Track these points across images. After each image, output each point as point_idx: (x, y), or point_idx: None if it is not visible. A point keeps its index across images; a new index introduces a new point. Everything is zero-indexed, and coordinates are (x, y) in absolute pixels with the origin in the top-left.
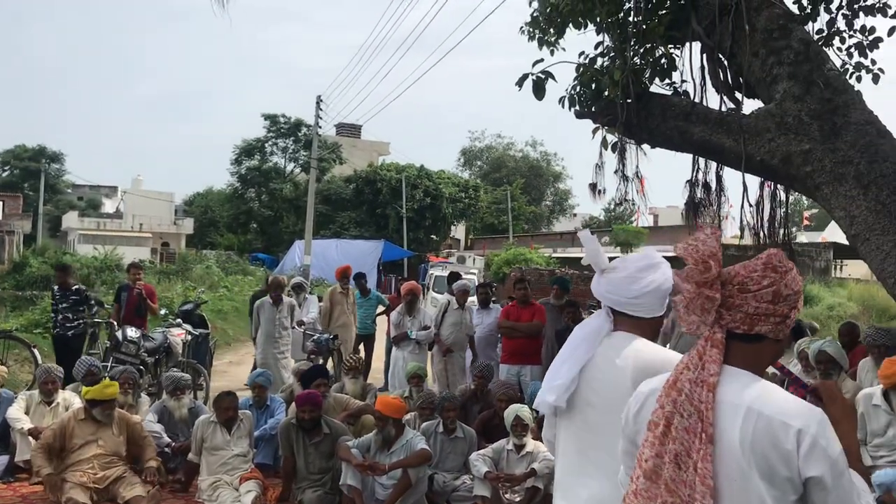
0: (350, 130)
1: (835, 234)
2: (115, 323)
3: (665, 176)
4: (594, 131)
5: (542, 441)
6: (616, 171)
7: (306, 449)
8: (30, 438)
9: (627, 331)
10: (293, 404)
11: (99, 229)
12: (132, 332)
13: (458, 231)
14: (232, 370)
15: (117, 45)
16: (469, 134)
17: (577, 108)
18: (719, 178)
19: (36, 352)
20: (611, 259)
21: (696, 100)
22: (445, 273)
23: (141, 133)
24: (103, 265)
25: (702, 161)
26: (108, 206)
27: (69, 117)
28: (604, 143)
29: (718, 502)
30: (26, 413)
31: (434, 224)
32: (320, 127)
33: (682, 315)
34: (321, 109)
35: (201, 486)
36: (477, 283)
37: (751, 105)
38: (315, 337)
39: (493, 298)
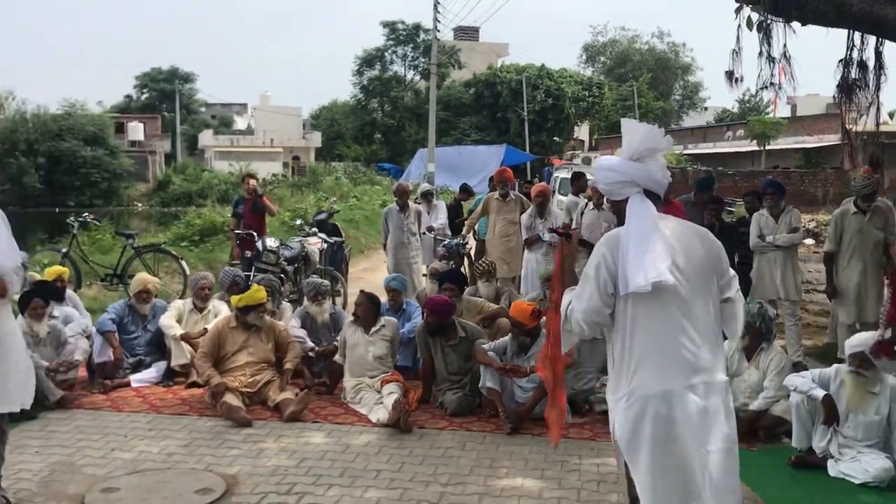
0: (468, 33)
1: None
2: (235, 235)
3: (805, 61)
4: (737, 11)
5: None
6: (760, 54)
7: (443, 350)
8: (183, 344)
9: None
10: None
11: (233, 146)
12: (271, 242)
13: (582, 131)
14: (367, 276)
15: None
16: (591, 29)
17: None
18: (878, 55)
19: (183, 263)
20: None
21: None
22: (570, 175)
23: (267, 49)
24: (239, 181)
25: (857, 37)
26: (240, 123)
27: (197, 37)
28: (748, 23)
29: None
30: (178, 322)
31: (557, 125)
32: (438, 31)
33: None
34: (439, 12)
35: (346, 386)
36: None
37: None
38: (445, 242)
39: None
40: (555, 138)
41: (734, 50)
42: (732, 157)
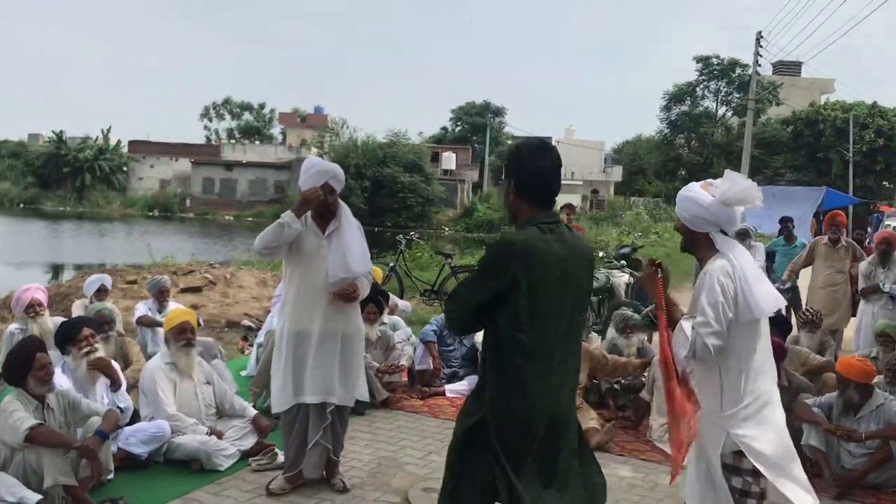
0: (789, 68)
1: None
2: None
3: None
4: None
5: None
6: None
7: None
8: None
9: None
10: None
11: None
12: None
13: None
14: None
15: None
16: None
17: None
18: None
19: None
20: None
21: None
22: None
23: (574, 83)
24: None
25: None
26: None
27: (510, 72)
28: None
29: None
30: None
31: (888, 168)
32: (759, 66)
33: None
34: (761, 47)
35: (653, 425)
36: None
37: None
38: None
39: None
40: (884, 183)
41: None
42: None
